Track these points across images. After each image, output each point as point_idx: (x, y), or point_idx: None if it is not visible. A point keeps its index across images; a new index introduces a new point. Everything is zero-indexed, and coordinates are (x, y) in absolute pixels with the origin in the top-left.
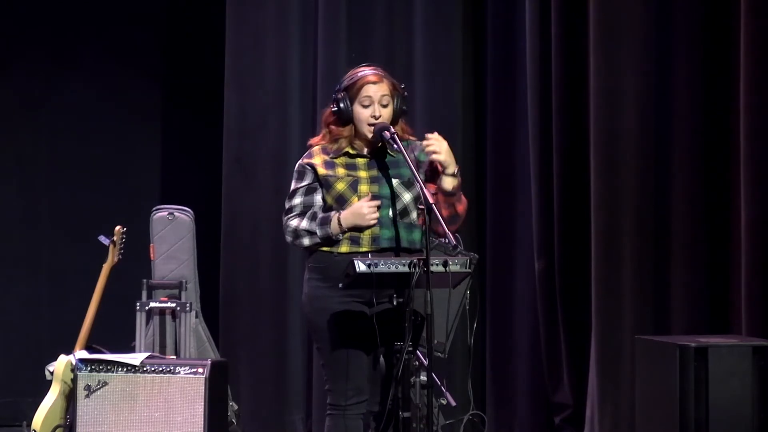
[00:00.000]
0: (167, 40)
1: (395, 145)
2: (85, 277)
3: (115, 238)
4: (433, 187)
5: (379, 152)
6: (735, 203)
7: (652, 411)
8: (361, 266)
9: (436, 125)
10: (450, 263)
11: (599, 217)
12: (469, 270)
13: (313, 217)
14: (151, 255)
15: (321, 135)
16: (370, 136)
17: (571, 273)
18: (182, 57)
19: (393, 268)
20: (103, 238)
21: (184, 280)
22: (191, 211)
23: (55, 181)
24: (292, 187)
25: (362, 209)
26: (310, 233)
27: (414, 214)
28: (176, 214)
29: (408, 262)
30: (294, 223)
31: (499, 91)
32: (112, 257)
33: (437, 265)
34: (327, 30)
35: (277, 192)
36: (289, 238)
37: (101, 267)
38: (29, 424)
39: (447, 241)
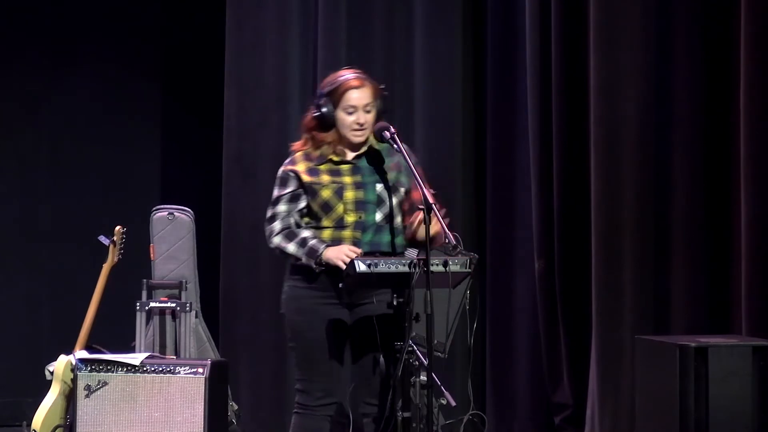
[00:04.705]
0: (167, 40)
1: (395, 146)
2: (85, 277)
3: (115, 238)
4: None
5: (361, 157)
6: (735, 203)
7: (652, 411)
8: (361, 266)
9: (436, 126)
10: (450, 263)
11: (599, 217)
12: (469, 270)
13: (302, 244)
14: (151, 255)
15: (303, 141)
16: (354, 140)
17: (571, 273)
18: (182, 57)
19: (393, 268)
20: (103, 238)
21: (184, 280)
22: (191, 211)
23: (55, 180)
24: (276, 194)
25: (342, 250)
26: (296, 258)
27: (399, 219)
28: (176, 214)
29: (408, 261)
30: (278, 241)
31: (499, 92)
32: (112, 257)
33: (437, 265)
34: (327, 30)
35: None
36: (271, 247)
37: (101, 267)
38: (29, 424)
39: (447, 240)
